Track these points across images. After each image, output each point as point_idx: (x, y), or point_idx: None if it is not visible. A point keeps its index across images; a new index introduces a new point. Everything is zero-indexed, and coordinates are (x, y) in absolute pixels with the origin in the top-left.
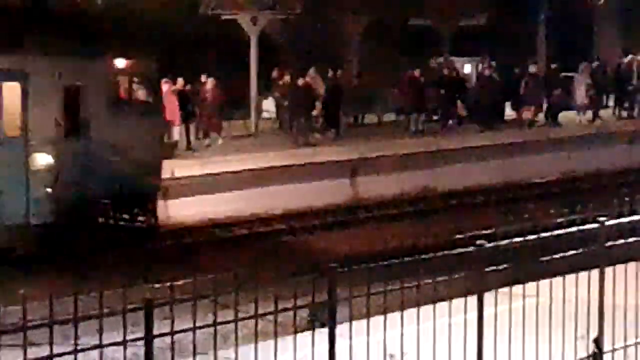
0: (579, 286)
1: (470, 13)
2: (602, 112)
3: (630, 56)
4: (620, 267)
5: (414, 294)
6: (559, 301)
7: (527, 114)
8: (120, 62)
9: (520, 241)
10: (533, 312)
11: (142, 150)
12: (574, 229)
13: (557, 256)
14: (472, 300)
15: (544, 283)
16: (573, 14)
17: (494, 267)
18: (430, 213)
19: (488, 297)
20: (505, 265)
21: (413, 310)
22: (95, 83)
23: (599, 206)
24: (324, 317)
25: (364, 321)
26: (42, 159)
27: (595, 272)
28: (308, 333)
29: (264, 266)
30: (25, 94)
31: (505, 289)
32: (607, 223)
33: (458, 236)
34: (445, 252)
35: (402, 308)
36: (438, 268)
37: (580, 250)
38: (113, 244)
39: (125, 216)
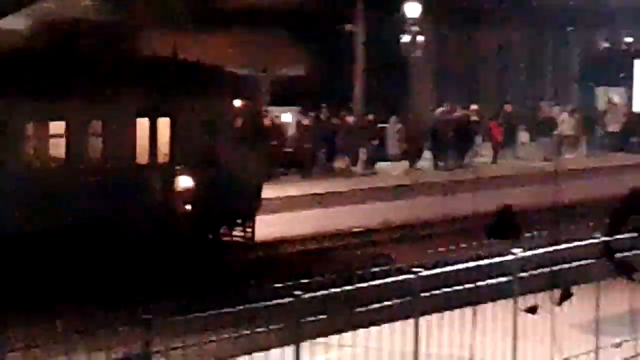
0: (394, 335)
1: (289, 63)
2: (421, 163)
3: (441, 109)
4: (434, 317)
5: (232, 345)
6: (374, 351)
7: (342, 163)
8: (237, 102)
9: (337, 291)
10: None
11: (250, 175)
12: (389, 279)
13: (373, 307)
14: (290, 350)
15: (360, 333)
16: (390, 66)
17: (311, 318)
18: (246, 263)
19: (305, 347)
20: (321, 316)
21: None
22: (219, 119)
23: (414, 256)
24: None
25: None
26: (184, 182)
27: (410, 322)
28: None
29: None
30: (173, 127)
31: (322, 339)
32: (421, 274)
33: (276, 286)
34: (264, 302)
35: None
36: (256, 318)
37: (396, 301)
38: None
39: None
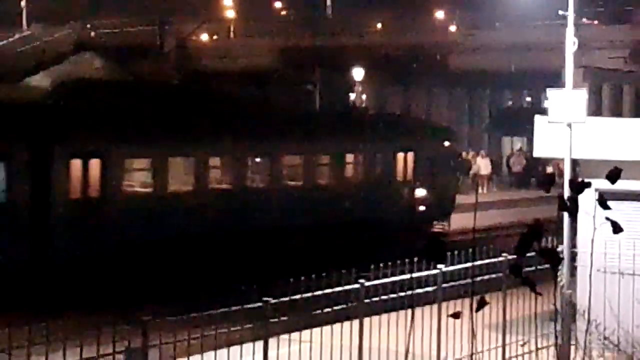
0: (343, 333)
1: None
2: None
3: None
4: (377, 318)
5: (213, 340)
6: (327, 345)
7: None
8: (446, 144)
9: (298, 298)
10: (307, 354)
11: (449, 188)
12: (339, 288)
13: (326, 310)
14: (259, 344)
15: (316, 331)
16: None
17: (277, 319)
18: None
19: (272, 342)
20: (285, 317)
21: (211, 353)
22: (436, 155)
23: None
24: None
25: None
26: (420, 192)
27: (356, 322)
28: None
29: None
30: (414, 158)
31: (286, 335)
32: (366, 284)
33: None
34: (239, 306)
35: (202, 352)
36: (234, 318)
37: (345, 305)
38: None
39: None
